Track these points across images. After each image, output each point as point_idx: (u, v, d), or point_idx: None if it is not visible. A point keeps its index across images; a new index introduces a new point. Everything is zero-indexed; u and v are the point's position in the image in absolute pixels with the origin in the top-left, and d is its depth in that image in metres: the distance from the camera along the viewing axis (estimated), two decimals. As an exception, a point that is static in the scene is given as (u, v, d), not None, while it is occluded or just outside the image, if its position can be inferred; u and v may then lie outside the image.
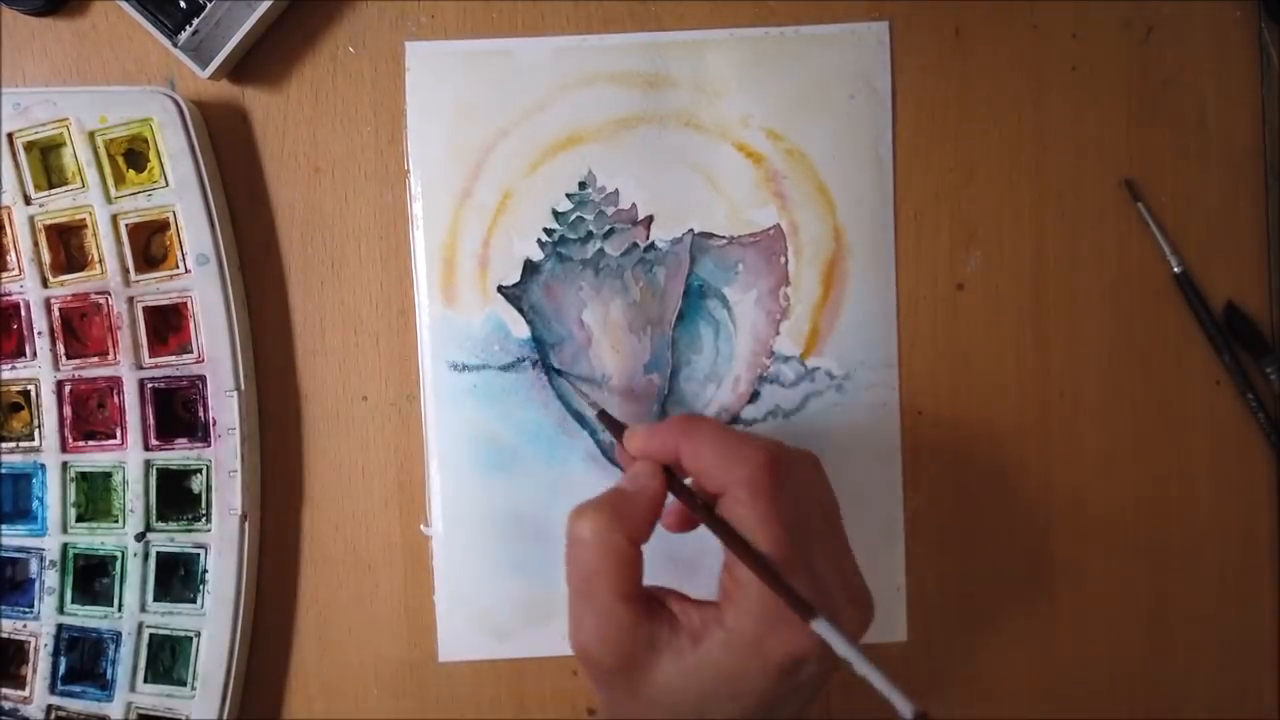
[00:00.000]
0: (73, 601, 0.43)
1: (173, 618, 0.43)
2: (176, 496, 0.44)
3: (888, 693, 0.28)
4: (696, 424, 0.34)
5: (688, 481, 0.35)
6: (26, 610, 0.43)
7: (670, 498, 0.35)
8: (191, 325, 0.43)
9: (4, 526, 0.43)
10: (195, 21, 0.42)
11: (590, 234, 0.45)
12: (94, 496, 0.44)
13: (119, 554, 0.43)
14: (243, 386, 0.43)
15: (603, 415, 0.40)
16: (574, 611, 0.33)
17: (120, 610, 0.43)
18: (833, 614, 0.31)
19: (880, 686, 0.29)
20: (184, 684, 0.43)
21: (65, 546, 0.43)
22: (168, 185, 0.42)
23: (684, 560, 0.44)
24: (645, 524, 0.34)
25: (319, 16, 0.44)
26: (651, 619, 0.33)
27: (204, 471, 0.43)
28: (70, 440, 0.43)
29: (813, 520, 0.33)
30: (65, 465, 0.43)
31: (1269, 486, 0.46)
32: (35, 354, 0.43)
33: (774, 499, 0.32)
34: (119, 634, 0.43)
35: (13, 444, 0.44)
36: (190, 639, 0.43)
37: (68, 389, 0.43)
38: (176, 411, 0.44)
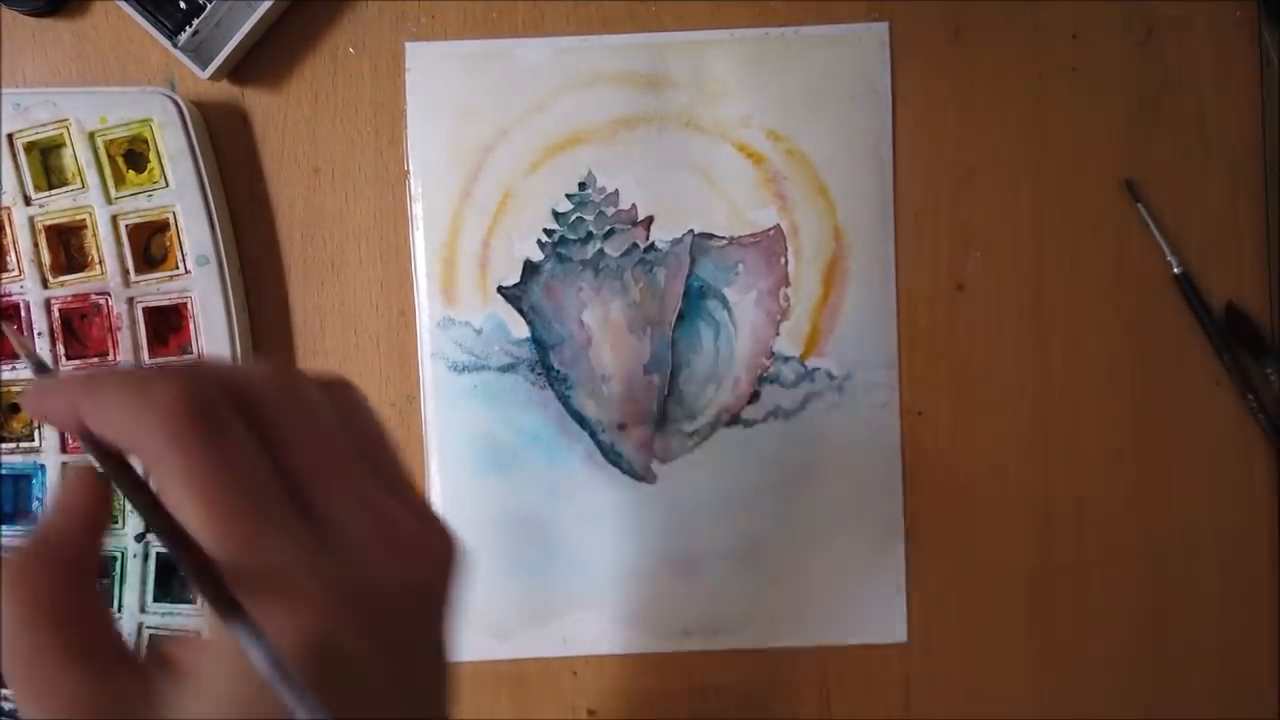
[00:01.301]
0: (73, 602, 0.43)
1: (172, 618, 0.43)
2: (176, 497, 0.44)
3: (291, 696, 0.21)
4: (100, 373, 0.24)
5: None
6: (26, 611, 0.43)
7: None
8: (191, 326, 0.43)
9: (4, 527, 0.43)
10: (195, 22, 0.42)
11: (590, 234, 0.45)
12: (94, 497, 0.44)
13: (119, 555, 0.43)
14: (243, 387, 0.43)
15: (31, 357, 0.28)
16: (17, 692, 0.23)
17: (120, 611, 0.43)
18: (357, 569, 0.24)
19: (283, 691, 0.21)
20: (184, 685, 0.43)
21: (65, 547, 0.43)
22: (168, 186, 0.42)
23: (683, 561, 0.44)
24: (87, 546, 0.24)
25: (319, 17, 0.44)
26: (132, 669, 0.23)
27: (204, 472, 0.43)
28: (70, 441, 0.43)
29: (308, 457, 0.24)
30: (65, 466, 0.43)
31: (1269, 486, 0.46)
32: (35, 355, 0.43)
33: (200, 445, 0.22)
34: (119, 635, 0.43)
35: (13, 444, 0.44)
36: (190, 640, 0.43)
37: (68, 390, 0.43)
38: (176, 412, 0.44)
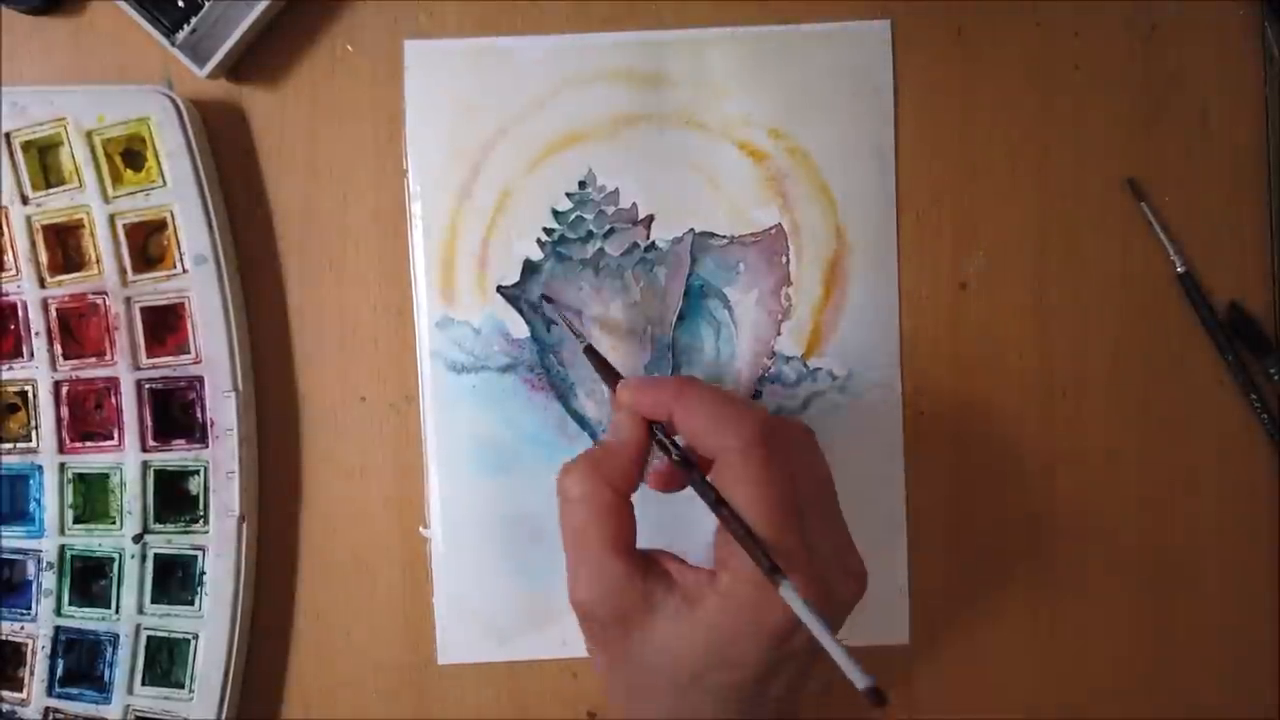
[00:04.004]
0: (70, 603, 0.43)
1: (171, 620, 0.43)
2: (174, 498, 0.44)
3: (843, 664, 0.28)
4: (690, 386, 0.34)
5: (678, 439, 0.35)
6: (24, 612, 0.43)
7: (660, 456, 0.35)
8: (189, 326, 0.43)
9: (1, 528, 0.43)
10: (193, 20, 0.42)
11: (590, 234, 0.44)
12: (91, 498, 0.44)
13: (117, 556, 0.43)
14: (240, 387, 0.43)
15: (590, 352, 0.39)
16: (569, 567, 0.34)
17: (118, 612, 0.43)
18: (825, 584, 0.31)
19: (837, 658, 0.28)
20: (182, 686, 0.43)
21: (63, 548, 0.43)
22: (165, 185, 0.42)
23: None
24: (630, 476, 0.34)
25: (317, 15, 0.44)
26: (646, 575, 0.33)
27: (202, 473, 0.43)
28: (67, 441, 0.43)
29: (805, 491, 0.33)
30: (63, 466, 0.43)
31: (1272, 486, 0.45)
32: (32, 355, 0.43)
33: (766, 467, 0.31)
34: (117, 636, 0.43)
35: (10, 445, 0.43)
36: (188, 641, 0.43)
37: (65, 390, 0.43)
38: (174, 412, 0.44)
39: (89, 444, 0.43)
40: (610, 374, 0.38)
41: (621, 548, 0.33)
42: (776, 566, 0.30)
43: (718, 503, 0.31)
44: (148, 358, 0.43)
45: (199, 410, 0.43)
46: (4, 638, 0.43)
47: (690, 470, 0.33)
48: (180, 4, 0.42)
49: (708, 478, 0.33)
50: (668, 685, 0.33)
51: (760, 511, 0.31)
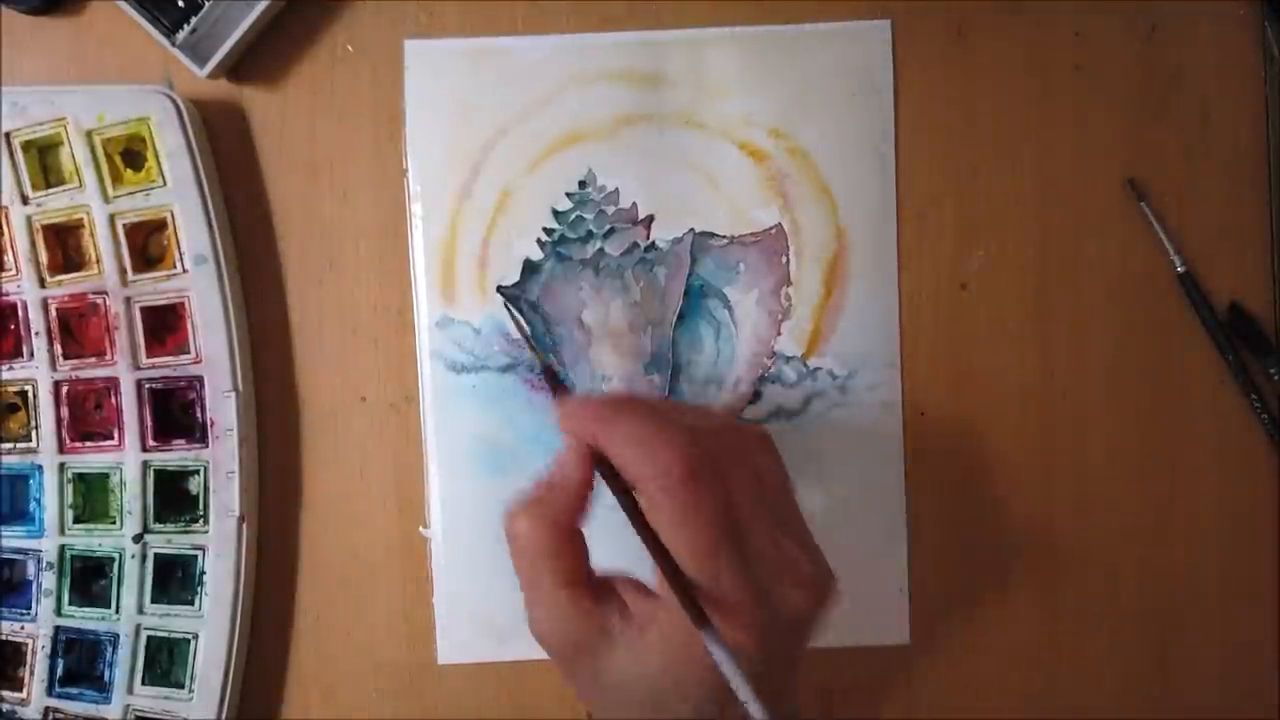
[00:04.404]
0: (70, 603, 0.43)
1: (171, 619, 0.43)
2: (174, 498, 0.44)
3: (751, 706, 0.28)
4: (618, 413, 0.32)
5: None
6: (24, 612, 0.43)
7: None
8: (189, 326, 0.43)
9: (1, 528, 0.43)
10: (193, 20, 0.42)
11: (590, 233, 0.44)
12: (91, 498, 0.44)
13: (117, 555, 0.43)
14: (240, 387, 0.43)
15: (548, 372, 0.38)
16: (526, 604, 0.33)
17: (118, 612, 0.43)
18: (765, 608, 0.31)
19: (744, 698, 0.28)
20: (182, 686, 0.43)
21: (63, 548, 0.43)
22: (165, 185, 0.42)
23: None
24: (574, 510, 0.33)
25: (317, 15, 0.44)
26: (601, 605, 0.32)
27: (202, 473, 0.43)
28: (68, 441, 0.43)
29: (745, 505, 0.32)
30: (63, 466, 0.43)
31: (1272, 486, 0.45)
32: (32, 354, 0.43)
33: (688, 496, 0.30)
34: (117, 636, 0.43)
35: (10, 445, 0.43)
36: (188, 641, 0.43)
37: (65, 390, 0.43)
38: (174, 412, 0.44)
39: (89, 444, 0.43)
40: (556, 386, 0.37)
41: (573, 581, 0.32)
42: (700, 615, 0.29)
43: (649, 541, 0.31)
44: (148, 358, 0.43)
45: (199, 410, 0.43)
46: (4, 638, 0.43)
47: (628, 505, 0.32)
48: (180, 4, 0.42)
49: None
50: (636, 709, 0.32)
51: (682, 549, 0.30)
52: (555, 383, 0.37)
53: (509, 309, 0.43)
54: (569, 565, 0.32)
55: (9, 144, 0.42)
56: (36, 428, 0.43)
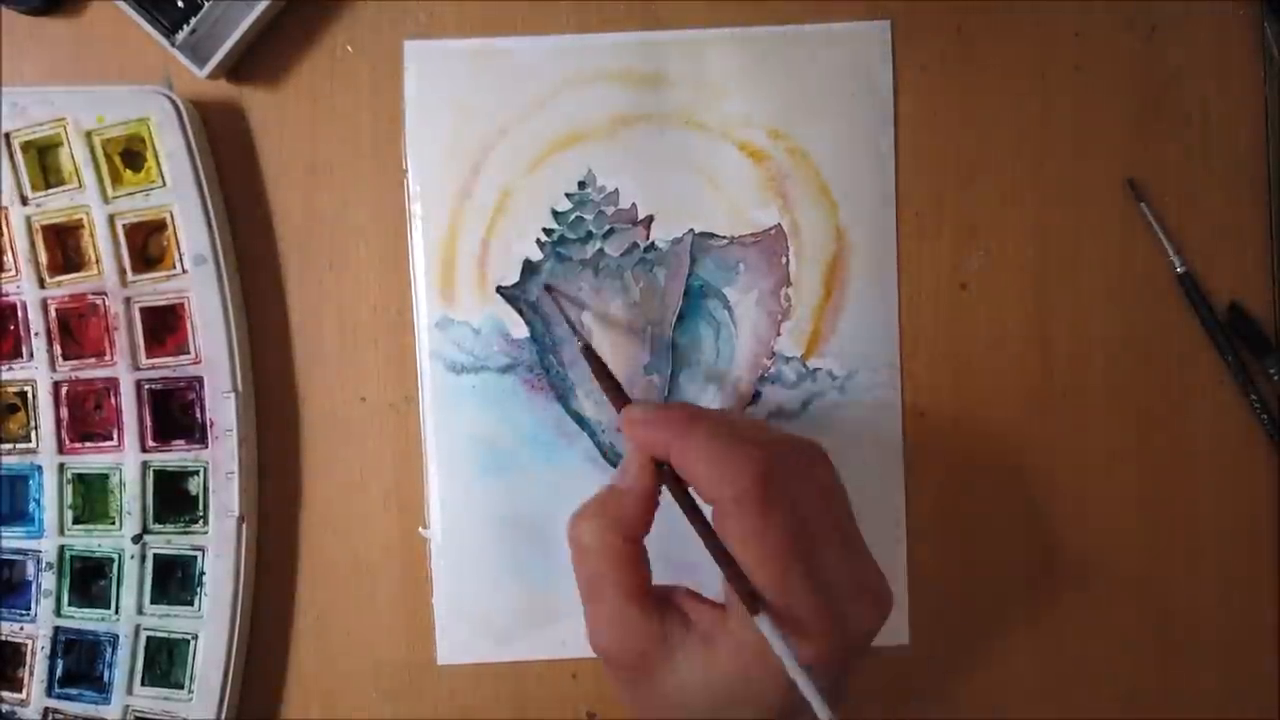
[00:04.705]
0: (70, 604, 0.43)
1: (170, 620, 0.43)
2: (174, 498, 0.44)
3: (811, 697, 0.29)
4: (691, 428, 0.33)
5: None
6: (23, 613, 0.43)
7: None
8: (189, 326, 0.43)
9: (1, 528, 0.43)
10: (193, 20, 0.42)
11: (590, 234, 0.44)
12: (91, 498, 0.44)
13: (116, 556, 0.43)
14: (240, 388, 0.43)
15: (595, 363, 0.38)
16: (587, 615, 0.34)
17: (117, 613, 0.43)
18: (840, 621, 0.31)
19: (805, 691, 0.29)
20: (181, 687, 0.43)
21: (62, 549, 0.43)
22: (165, 185, 0.42)
23: (684, 563, 0.44)
24: (641, 522, 0.34)
25: (317, 15, 0.44)
26: (663, 617, 0.33)
27: (201, 473, 0.43)
28: (67, 442, 0.43)
29: (813, 521, 0.32)
30: (62, 467, 0.43)
31: (1272, 487, 0.45)
32: (32, 355, 0.43)
33: (763, 514, 0.31)
34: (116, 636, 0.43)
35: (9, 446, 0.43)
36: (188, 641, 0.43)
37: (64, 390, 0.43)
38: (174, 413, 0.44)
39: (89, 444, 0.43)
40: (617, 394, 0.37)
41: (637, 593, 0.33)
42: (755, 596, 0.30)
43: (717, 553, 0.31)
44: (147, 358, 0.43)
45: (199, 410, 0.43)
46: (4, 638, 0.43)
47: (695, 517, 0.32)
48: (180, 4, 0.42)
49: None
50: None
51: (755, 564, 0.31)
52: (617, 391, 0.37)
53: (558, 303, 0.42)
54: (633, 576, 0.33)
55: (9, 144, 0.42)
56: (36, 428, 0.43)
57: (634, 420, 0.34)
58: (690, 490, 0.33)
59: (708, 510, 0.33)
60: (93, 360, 0.43)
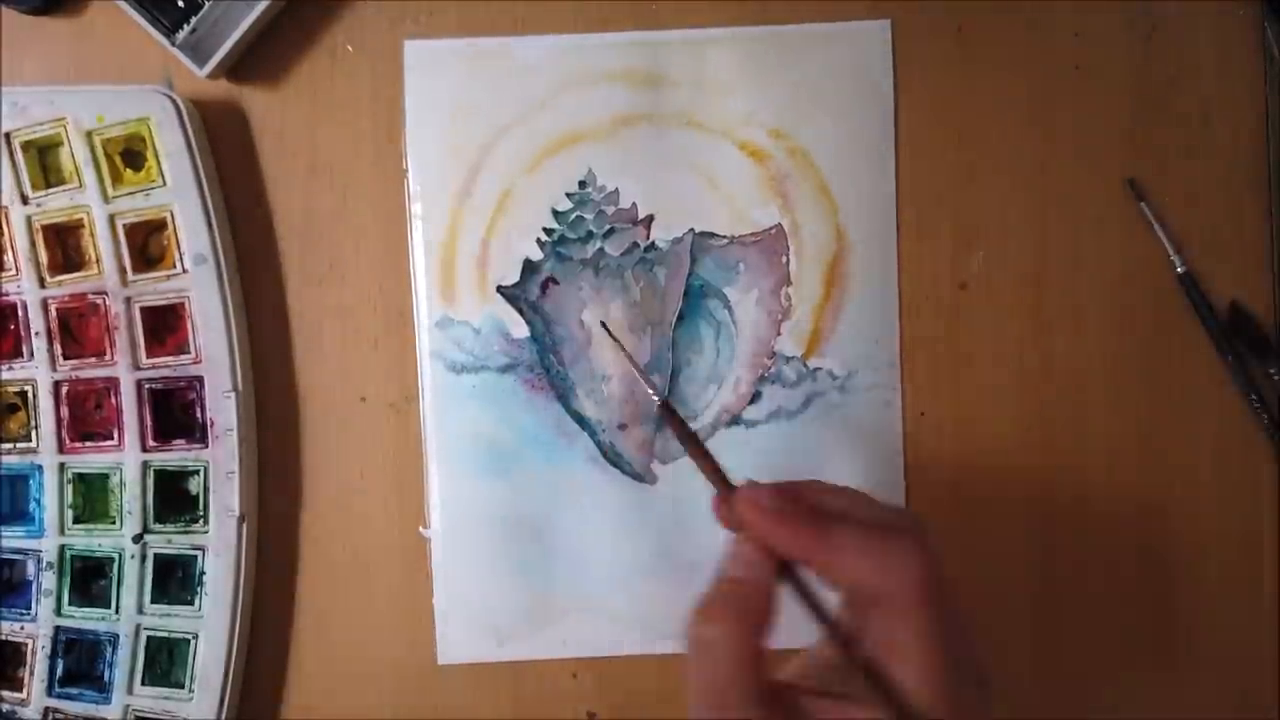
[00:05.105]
0: (70, 603, 0.43)
1: (170, 620, 0.43)
2: (174, 498, 0.44)
3: None
4: (837, 526, 0.29)
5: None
6: (24, 612, 0.43)
7: None
8: (189, 325, 0.43)
9: (1, 528, 0.43)
10: (193, 20, 0.42)
11: (590, 234, 0.44)
12: (91, 498, 0.44)
13: (116, 556, 0.43)
14: (240, 387, 0.43)
15: (713, 470, 0.33)
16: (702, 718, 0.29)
17: (118, 612, 0.43)
18: (987, 703, 0.29)
19: None
20: (182, 686, 0.43)
21: (63, 548, 0.43)
22: (165, 185, 0.42)
23: (684, 562, 0.44)
24: (769, 616, 0.29)
25: (317, 15, 0.44)
26: (790, 717, 0.29)
27: (202, 473, 0.43)
28: (68, 441, 0.43)
29: (955, 626, 0.29)
30: (62, 466, 0.43)
31: (1272, 487, 0.45)
32: (32, 354, 0.43)
33: (936, 604, 0.28)
34: (117, 636, 0.43)
35: (10, 445, 0.43)
36: (188, 641, 0.43)
37: (65, 390, 0.43)
38: (174, 412, 0.44)
39: (89, 444, 0.43)
40: (722, 480, 0.32)
41: (763, 698, 0.28)
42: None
43: (829, 632, 0.29)
44: (148, 358, 0.43)
45: (199, 410, 0.43)
46: (4, 638, 0.43)
47: (822, 616, 0.29)
48: (180, 4, 0.42)
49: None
50: None
51: (931, 662, 0.27)
52: (723, 480, 0.32)
53: (614, 338, 0.38)
54: (760, 680, 0.29)
55: (9, 144, 0.42)
56: (36, 428, 0.43)
57: (757, 511, 0.30)
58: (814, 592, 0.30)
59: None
60: (93, 360, 0.43)
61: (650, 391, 0.35)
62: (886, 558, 0.28)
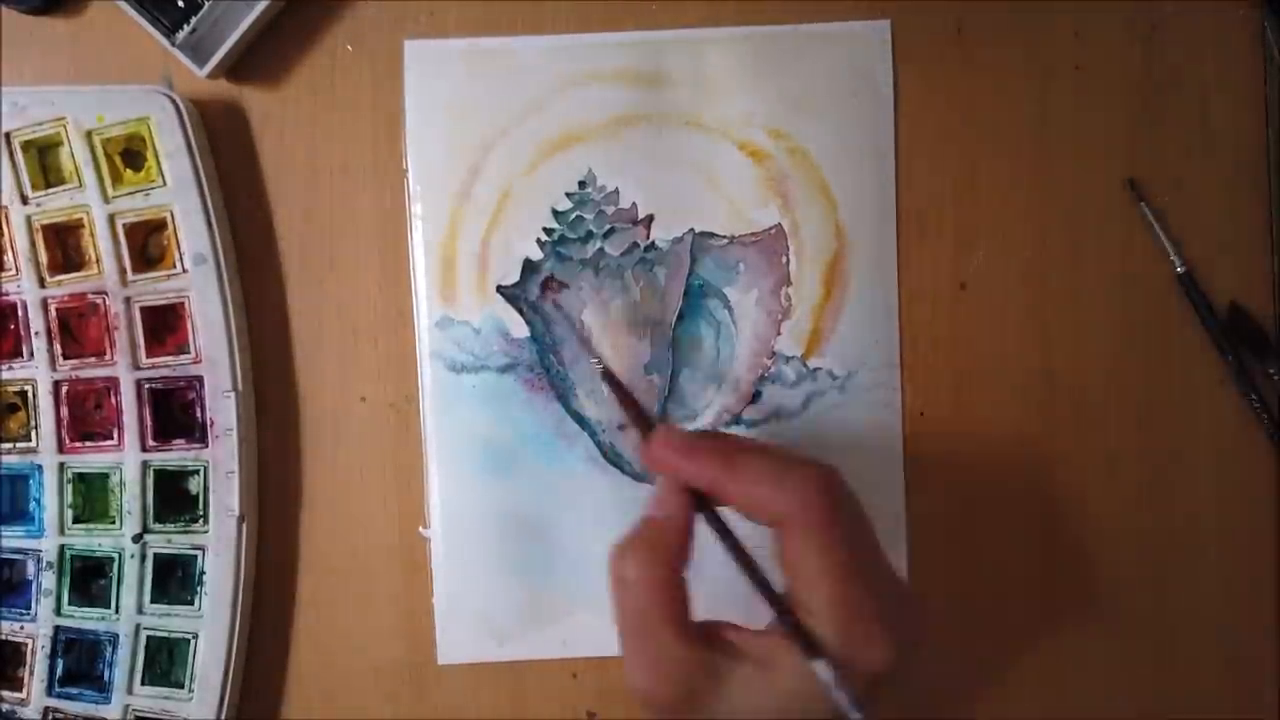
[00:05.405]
0: (70, 603, 0.43)
1: (170, 620, 0.43)
2: (174, 498, 0.44)
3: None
4: (741, 455, 0.32)
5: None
6: (24, 612, 0.43)
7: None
8: (189, 325, 0.43)
9: (1, 528, 0.43)
10: (193, 20, 0.42)
11: (590, 233, 0.44)
12: (91, 498, 0.44)
13: (116, 555, 0.43)
14: (240, 387, 0.43)
15: (634, 409, 0.36)
16: (628, 652, 0.32)
17: (118, 612, 0.43)
18: (894, 623, 0.31)
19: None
20: (181, 686, 0.43)
21: (62, 548, 0.43)
22: (165, 185, 0.42)
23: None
24: (685, 552, 0.33)
25: (317, 15, 0.44)
26: (709, 648, 0.31)
27: (201, 473, 0.43)
28: (67, 441, 0.43)
29: (865, 536, 0.32)
30: (62, 466, 0.43)
31: (1272, 487, 0.45)
32: (32, 354, 0.43)
33: (830, 527, 0.30)
34: (116, 636, 0.43)
35: (10, 445, 0.43)
36: (188, 641, 0.43)
37: (65, 389, 0.43)
38: (174, 412, 0.44)
39: (89, 444, 0.43)
40: (642, 420, 0.35)
41: (682, 626, 0.32)
42: (812, 643, 0.29)
43: (756, 579, 0.31)
44: (147, 357, 0.43)
45: (199, 410, 0.43)
46: (4, 638, 0.43)
47: (735, 548, 0.32)
48: (180, 4, 0.42)
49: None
50: None
51: (822, 578, 0.30)
52: (644, 421, 0.35)
53: (607, 377, 0.38)
54: (679, 610, 0.32)
55: (9, 144, 0.42)
56: (36, 428, 0.43)
57: (669, 448, 0.33)
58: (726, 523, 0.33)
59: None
60: (93, 360, 0.43)
61: (593, 359, 0.40)
62: (787, 480, 0.31)
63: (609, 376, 0.37)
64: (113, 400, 0.43)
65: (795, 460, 0.32)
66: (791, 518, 0.31)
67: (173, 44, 0.42)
